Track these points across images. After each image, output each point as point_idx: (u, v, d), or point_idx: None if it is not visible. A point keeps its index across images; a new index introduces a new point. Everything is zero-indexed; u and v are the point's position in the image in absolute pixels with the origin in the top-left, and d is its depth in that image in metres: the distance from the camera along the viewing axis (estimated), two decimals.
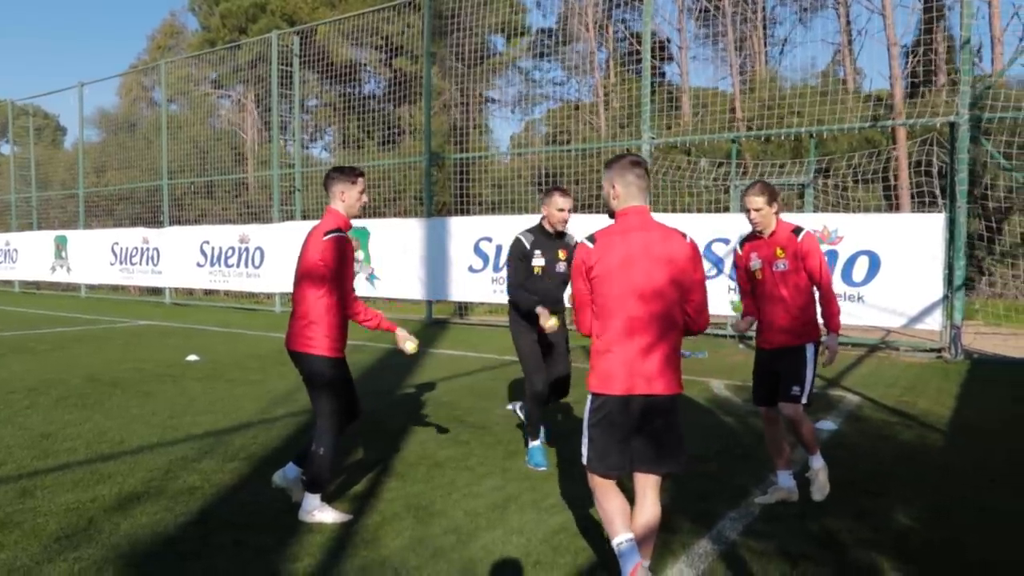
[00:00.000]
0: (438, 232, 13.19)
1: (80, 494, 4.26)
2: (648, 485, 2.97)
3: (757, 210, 4.15)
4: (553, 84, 26.28)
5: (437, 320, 13.71)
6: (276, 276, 15.47)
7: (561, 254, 4.94)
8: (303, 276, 3.87)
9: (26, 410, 6.32)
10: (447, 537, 3.67)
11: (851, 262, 9.68)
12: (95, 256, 19.25)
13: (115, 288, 20.28)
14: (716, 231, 10.38)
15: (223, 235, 16.73)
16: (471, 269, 12.85)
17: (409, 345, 4.02)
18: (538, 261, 4.88)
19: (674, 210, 12.30)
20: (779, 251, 4.12)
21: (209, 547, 3.57)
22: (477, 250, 12.79)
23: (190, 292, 19.07)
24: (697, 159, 12.17)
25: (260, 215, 18.45)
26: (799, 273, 4.08)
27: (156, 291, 19.24)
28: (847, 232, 9.67)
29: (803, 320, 4.09)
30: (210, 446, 5.26)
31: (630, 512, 2.99)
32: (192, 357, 8.80)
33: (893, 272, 9.38)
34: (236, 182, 21.26)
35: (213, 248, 16.88)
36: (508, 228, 12.24)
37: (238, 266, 16.42)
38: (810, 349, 4.13)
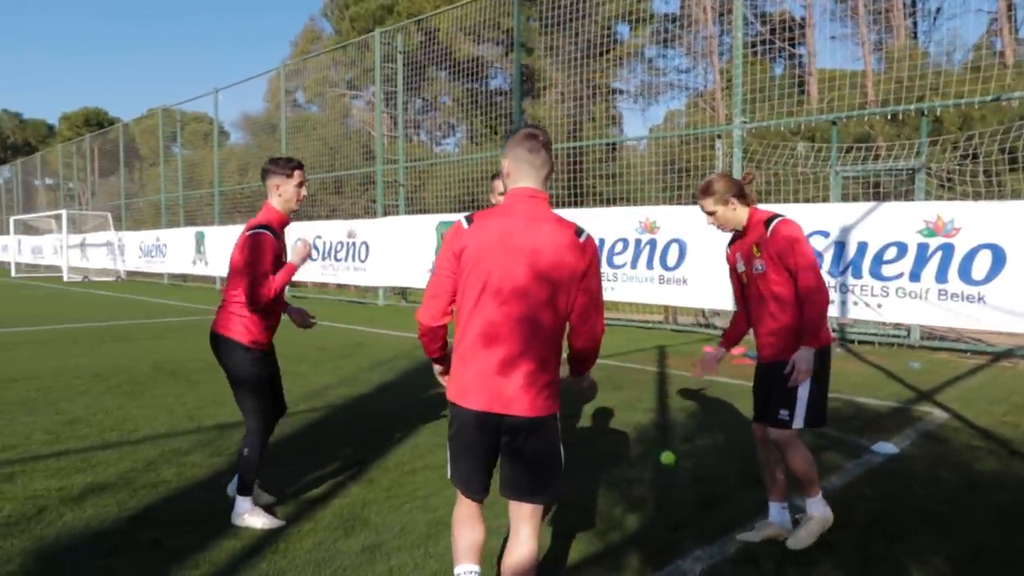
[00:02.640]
0: None
1: (52, 482, 4.32)
2: (521, 518, 2.51)
3: (711, 213, 3.54)
4: (678, 72, 25.23)
5: None
6: (379, 270, 15.78)
7: (755, 250, 4.39)
8: (230, 269, 3.72)
9: (77, 395, 6.63)
10: (362, 555, 3.36)
11: (970, 257, 8.42)
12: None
13: None
14: (814, 223, 9.39)
15: (333, 230, 17.28)
16: None
17: (299, 244, 3.81)
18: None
19: (771, 199, 11.29)
20: (755, 249, 3.47)
21: (127, 545, 3.47)
22: None
23: (306, 285, 19.86)
24: (794, 144, 11.09)
25: (381, 210, 18.90)
26: (780, 272, 3.38)
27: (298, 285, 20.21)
28: (965, 223, 8.42)
29: (793, 329, 3.40)
30: (209, 440, 5.25)
31: (480, 544, 2.56)
32: None
33: (1021, 268, 8.07)
34: (363, 179, 21.95)
35: (325, 243, 17.48)
36: (597, 221, 11.77)
37: (346, 260, 16.89)
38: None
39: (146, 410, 6.08)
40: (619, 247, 11.54)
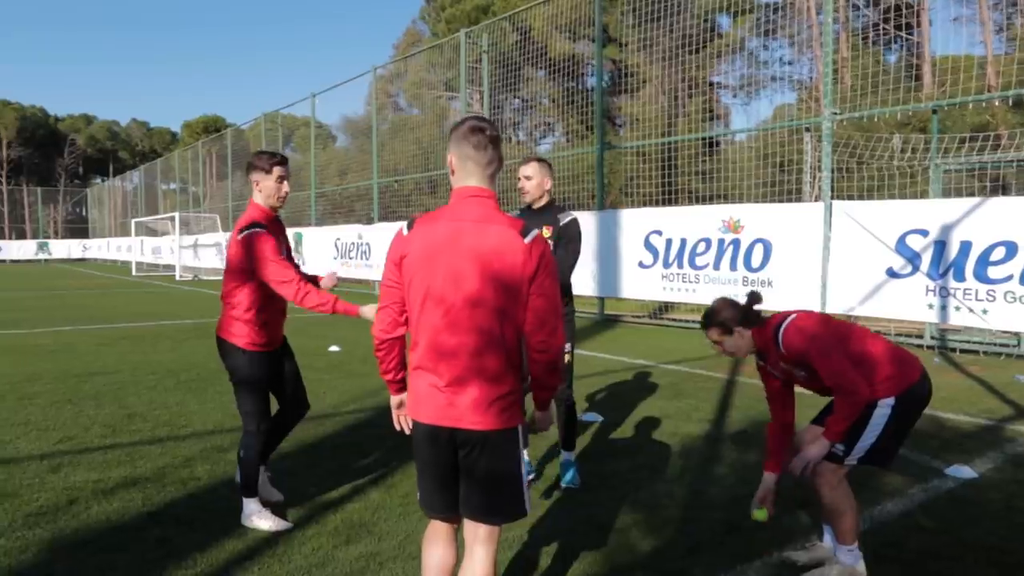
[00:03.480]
0: (608, 225, 12.58)
1: (92, 474, 4.47)
2: (477, 539, 2.32)
3: (717, 343, 3.22)
4: (782, 63, 24.12)
5: (609, 317, 13.09)
6: None
7: (545, 230, 4.06)
8: (226, 270, 3.71)
9: (145, 390, 6.91)
10: (356, 562, 3.27)
11: None
12: (322, 250, 21.14)
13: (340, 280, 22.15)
14: (911, 221, 8.67)
15: None
16: (640, 265, 12.09)
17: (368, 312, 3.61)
18: None
19: (870, 195, 10.53)
20: (783, 364, 3.12)
21: (135, 541, 3.52)
22: (647, 244, 11.99)
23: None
24: (889, 135, 10.27)
25: None
26: (819, 368, 2.97)
27: (366, 283, 20.59)
28: None
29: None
30: None
31: (448, 568, 2.38)
32: (334, 348, 9.15)
33: None
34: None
35: None
36: (678, 220, 11.35)
37: None
38: (881, 411, 2.96)
39: (203, 406, 6.25)
40: (701, 247, 11.08)
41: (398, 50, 33.89)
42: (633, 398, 6.55)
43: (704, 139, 15.43)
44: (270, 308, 3.70)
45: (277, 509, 3.83)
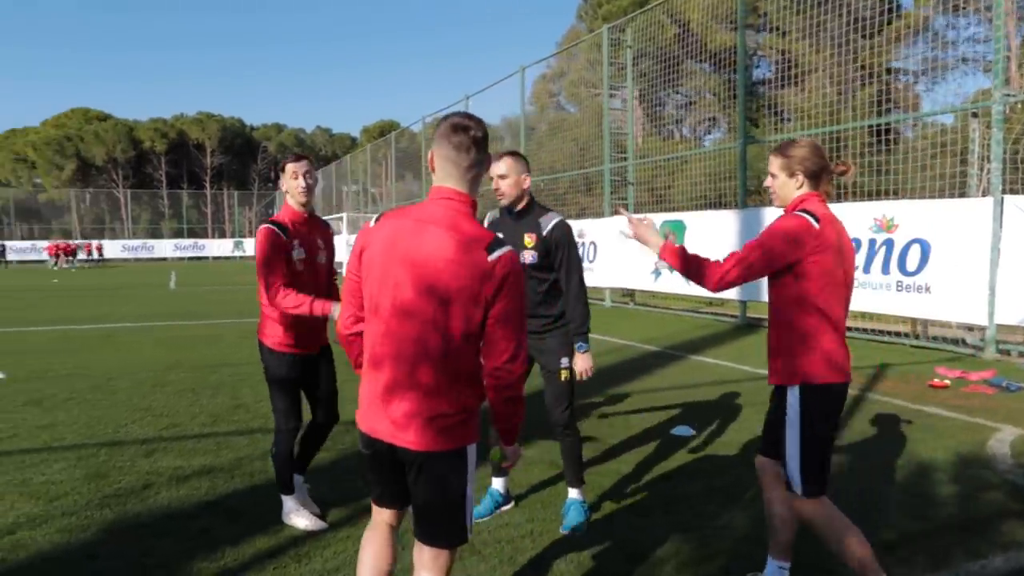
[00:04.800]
0: (751, 224, 11.82)
1: (176, 461, 4.74)
2: (422, 562, 2.15)
3: (772, 175, 2.88)
4: (972, 42, 21.67)
5: (751, 321, 12.30)
6: (607, 270, 15.54)
7: (527, 240, 3.63)
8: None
9: (260, 383, 7.19)
10: None
11: None
12: None
13: None
14: None
15: None
16: None
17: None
18: None
19: None
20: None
21: (179, 530, 3.66)
22: None
23: None
24: None
25: (608, 209, 18.69)
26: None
27: None
28: None
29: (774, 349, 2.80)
30: (334, 433, 5.40)
31: (386, 572, 2.23)
32: None
33: None
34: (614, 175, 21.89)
35: None
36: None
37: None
38: (792, 397, 2.70)
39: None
40: None
41: (562, 49, 33.96)
42: (739, 413, 6.04)
43: (873, 129, 14.14)
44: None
45: (321, 509, 3.85)
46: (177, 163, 65.29)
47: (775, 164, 2.82)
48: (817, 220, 2.65)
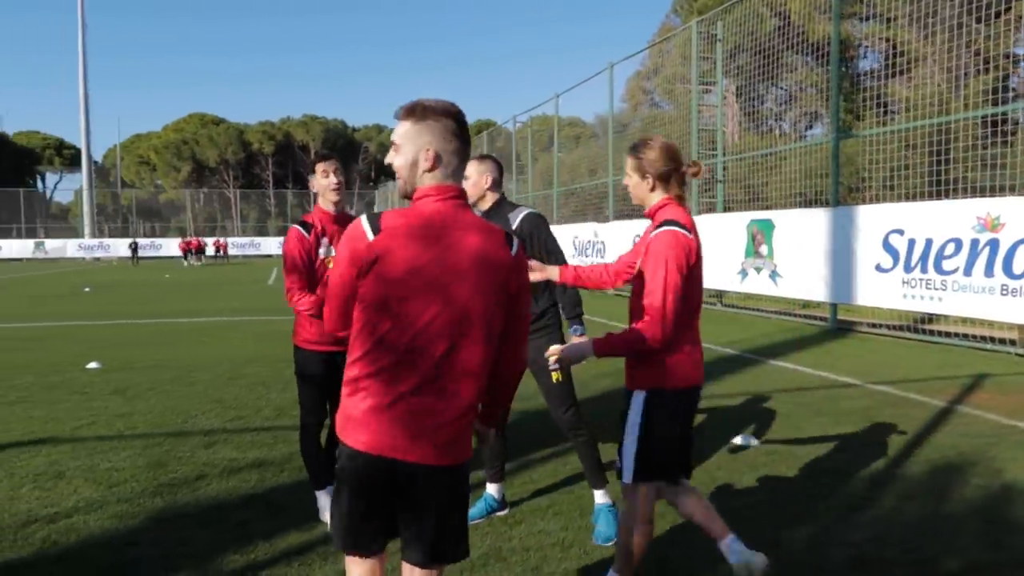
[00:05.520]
0: (843, 224, 11.23)
1: (233, 453, 4.90)
2: None
3: (627, 175, 2.89)
4: None
5: (842, 326, 11.67)
6: None
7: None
8: None
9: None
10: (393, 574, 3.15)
11: None
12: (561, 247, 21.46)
13: None
14: None
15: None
16: (878, 268, 10.62)
17: None
18: None
19: None
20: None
21: (220, 522, 3.76)
22: (886, 245, 10.50)
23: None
24: None
25: (696, 208, 18.22)
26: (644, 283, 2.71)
27: None
28: None
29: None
30: None
31: None
32: None
33: None
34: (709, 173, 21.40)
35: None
36: (923, 217, 9.81)
37: None
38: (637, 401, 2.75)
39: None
40: (950, 249, 9.42)
41: (655, 46, 33.34)
42: (809, 423, 5.72)
43: (988, 120, 13.20)
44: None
45: None
46: (283, 164, 68.08)
47: (628, 165, 2.84)
48: (688, 230, 2.70)
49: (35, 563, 3.32)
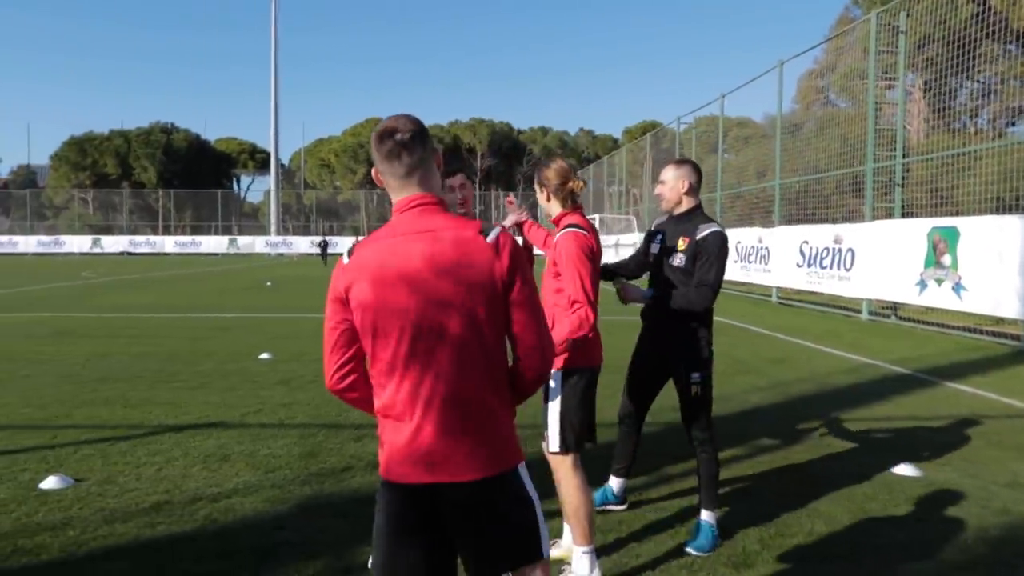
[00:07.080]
0: None
1: (357, 448, 5.12)
2: None
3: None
4: None
5: None
6: (865, 280, 14.13)
7: (680, 243, 3.66)
8: None
9: None
10: None
11: None
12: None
13: (738, 284, 21.31)
14: None
15: (819, 235, 16.14)
16: None
17: None
18: (654, 248, 3.82)
19: None
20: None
21: (359, 514, 3.93)
22: None
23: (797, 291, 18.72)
24: None
25: (870, 213, 16.96)
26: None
27: (765, 288, 19.52)
28: None
29: None
30: None
31: None
32: None
33: None
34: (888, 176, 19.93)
35: (811, 248, 16.45)
36: None
37: (831, 268, 15.58)
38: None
39: None
40: None
41: (831, 41, 31.44)
42: (982, 454, 5.16)
43: None
44: None
45: None
46: (450, 165, 70.56)
47: (535, 182, 3.38)
48: (583, 229, 3.20)
49: (196, 537, 3.66)
